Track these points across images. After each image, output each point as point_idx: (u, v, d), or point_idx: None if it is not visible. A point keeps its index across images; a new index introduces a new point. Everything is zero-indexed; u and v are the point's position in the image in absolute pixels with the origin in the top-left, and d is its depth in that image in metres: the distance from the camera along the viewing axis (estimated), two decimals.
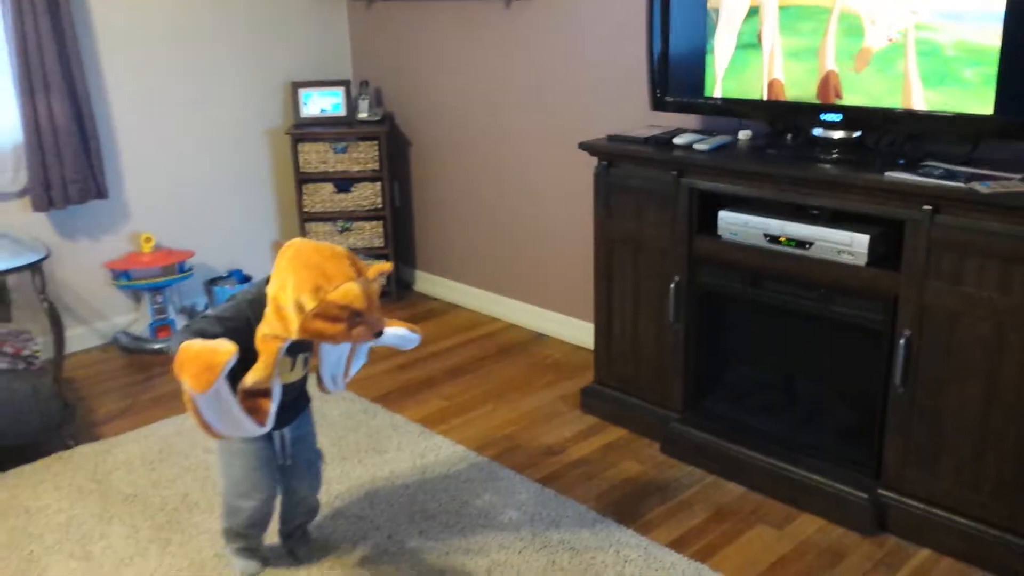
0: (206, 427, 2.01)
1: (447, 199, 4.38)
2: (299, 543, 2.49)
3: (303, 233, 4.26)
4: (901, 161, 2.49)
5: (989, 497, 2.36)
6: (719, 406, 2.98)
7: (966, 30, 2.29)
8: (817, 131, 2.69)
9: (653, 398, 3.09)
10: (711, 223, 2.79)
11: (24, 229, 3.63)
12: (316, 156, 4.28)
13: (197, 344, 1.88)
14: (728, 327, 2.96)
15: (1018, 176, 2.27)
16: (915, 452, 2.48)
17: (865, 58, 2.49)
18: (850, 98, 2.55)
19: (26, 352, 3.15)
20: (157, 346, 3.90)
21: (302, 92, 4.35)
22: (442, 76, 4.21)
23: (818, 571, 2.42)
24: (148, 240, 3.96)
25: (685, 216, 2.84)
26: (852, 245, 2.48)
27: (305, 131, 4.27)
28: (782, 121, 2.82)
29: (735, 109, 2.86)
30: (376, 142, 4.29)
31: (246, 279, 4.26)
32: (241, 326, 2.01)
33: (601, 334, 3.21)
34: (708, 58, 2.83)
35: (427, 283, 4.61)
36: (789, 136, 2.81)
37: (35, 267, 3.11)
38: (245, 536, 2.37)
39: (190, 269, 4.03)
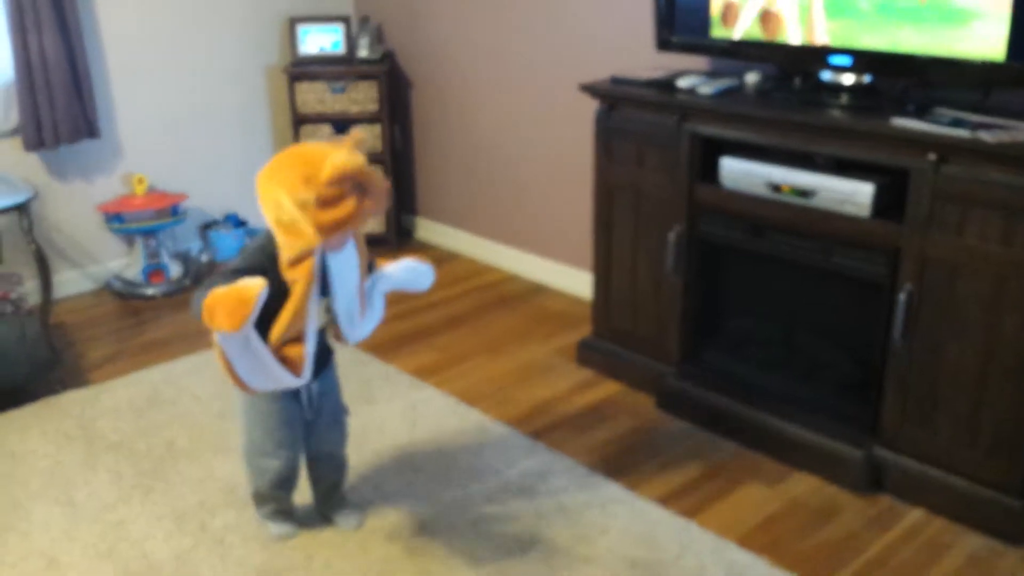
0: (241, 383, 1.95)
1: (449, 144, 4.27)
2: (337, 507, 2.40)
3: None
4: (910, 108, 2.38)
5: (984, 455, 2.30)
6: (717, 360, 2.91)
7: None
8: (826, 75, 2.57)
9: (650, 351, 3.01)
10: (713, 170, 2.69)
11: (15, 169, 3.57)
12: (313, 96, 4.17)
13: (222, 288, 1.80)
14: (729, 278, 2.88)
15: None
16: (913, 409, 2.41)
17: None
18: (862, 40, 2.43)
19: (14, 295, 3.11)
20: (150, 291, 3.85)
21: (300, 28, 4.22)
22: (445, 13, 4.07)
23: (806, 530, 2.36)
24: (141, 182, 3.89)
25: (686, 163, 2.74)
26: (855, 195, 2.37)
27: (302, 70, 4.16)
28: (791, 65, 2.70)
29: (743, 51, 2.73)
30: (376, 82, 4.17)
31: (241, 223, 4.19)
32: (258, 274, 1.88)
33: (600, 285, 3.13)
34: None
35: (428, 230, 4.53)
36: (797, 80, 2.69)
37: (22, 208, 3.05)
38: (275, 498, 2.30)
39: (184, 213, 3.96)
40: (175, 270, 3.96)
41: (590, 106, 2.98)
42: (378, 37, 4.39)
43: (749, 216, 2.65)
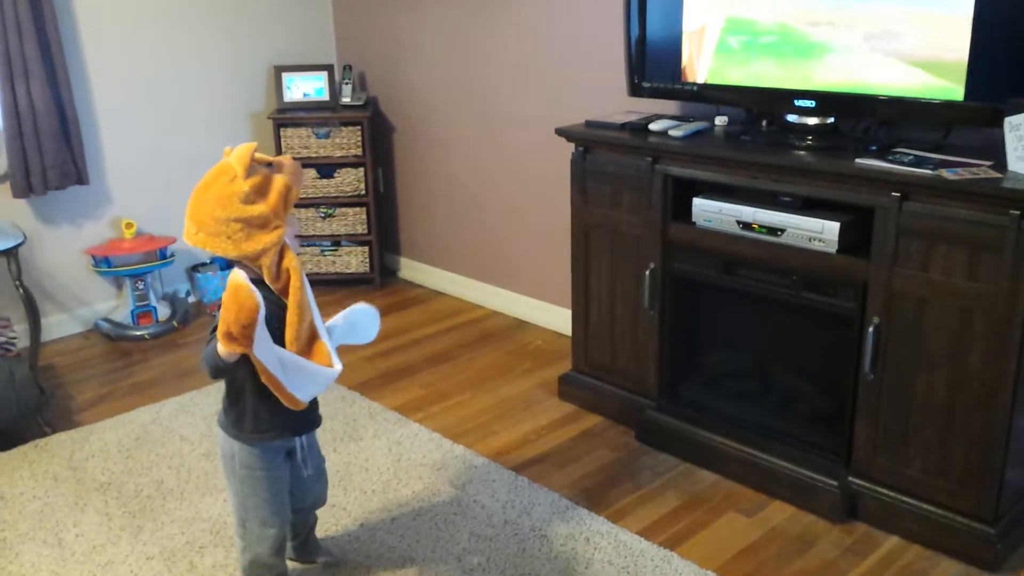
0: (294, 399, 1.97)
1: (431, 185, 4.36)
2: (315, 549, 2.42)
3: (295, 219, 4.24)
4: (873, 147, 2.48)
5: (956, 484, 2.36)
6: (694, 393, 2.98)
7: (935, 21, 2.28)
8: (792, 117, 2.68)
9: (629, 385, 3.08)
10: (686, 210, 2.78)
11: (4, 214, 3.62)
12: (299, 141, 4.27)
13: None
14: (703, 314, 2.95)
15: (987, 163, 2.26)
16: (884, 439, 2.48)
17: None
18: (823, 83, 2.54)
19: (3, 339, 3.15)
20: (138, 333, 3.90)
21: (285, 76, 4.32)
22: (426, 61, 4.18)
23: (786, 558, 2.42)
24: (129, 226, 3.96)
25: (660, 202, 2.83)
26: (823, 232, 2.46)
27: (288, 116, 4.26)
28: (757, 107, 2.81)
29: (710, 95, 2.84)
30: (359, 127, 4.27)
31: (229, 265, 4.23)
32: None
33: (578, 321, 3.21)
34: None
35: (411, 270, 4.60)
36: (764, 123, 2.79)
37: (10, 253, 3.10)
38: (272, 566, 2.20)
39: (172, 255, 4.02)
40: (163, 311, 4.01)
41: (566, 148, 3.08)
42: (361, 84, 4.50)
43: (722, 253, 2.73)
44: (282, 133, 4.25)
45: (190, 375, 3.54)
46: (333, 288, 4.34)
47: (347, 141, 4.28)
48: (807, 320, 2.65)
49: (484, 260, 4.19)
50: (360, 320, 2.24)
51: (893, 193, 2.30)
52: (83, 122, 3.82)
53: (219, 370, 1.93)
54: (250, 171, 1.90)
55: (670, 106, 3.14)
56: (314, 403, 2.17)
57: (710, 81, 2.80)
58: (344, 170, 4.30)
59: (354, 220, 4.36)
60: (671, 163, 2.78)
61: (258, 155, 1.94)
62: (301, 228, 4.34)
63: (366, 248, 4.41)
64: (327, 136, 4.26)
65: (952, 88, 2.30)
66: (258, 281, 1.94)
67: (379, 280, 4.47)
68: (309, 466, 2.22)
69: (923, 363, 2.35)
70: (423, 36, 4.15)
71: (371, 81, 4.50)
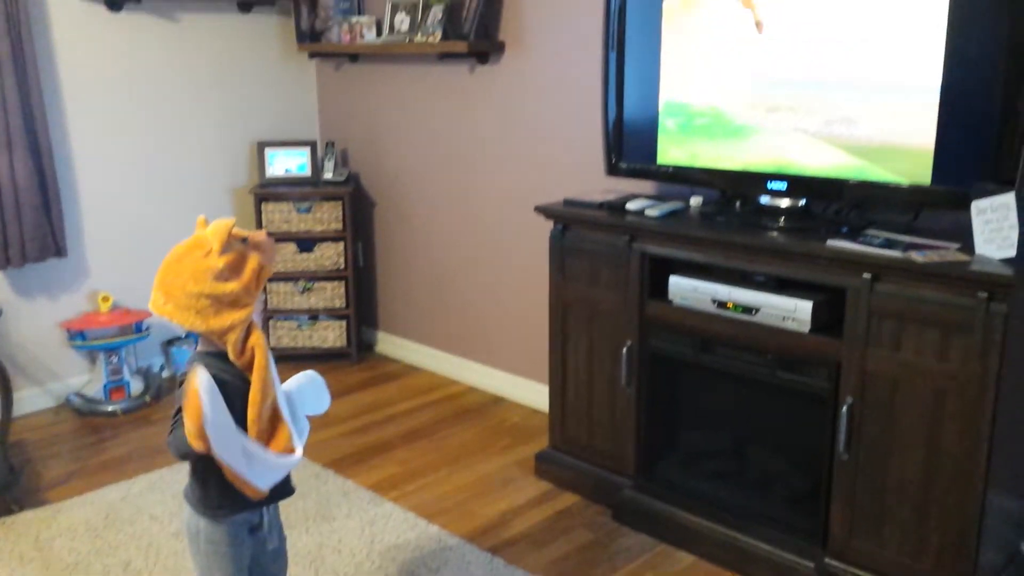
0: (254, 489, 1.95)
1: (410, 260, 4.38)
2: None
3: (264, 294, 4.25)
4: (844, 229, 2.52)
5: (932, 566, 2.34)
6: (671, 472, 2.96)
7: (898, 109, 2.35)
8: (764, 199, 2.73)
9: (606, 463, 3.06)
10: (663, 288, 2.81)
11: None
12: (280, 216, 4.29)
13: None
14: (681, 391, 2.96)
15: (955, 245, 2.31)
16: (860, 520, 2.46)
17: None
18: (794, 167, 2.60)
19: None
20: (110, 408, 3.85)
21: (268, 152, 4.37)
22: (407, 138, 4.25)
23: None
24: (106, 299, 3.94)
25: (637, 280, 2.86)
26: (796, 311, 2.49)
27: (269, 191, 4.29)
28: (731, 189, 2.86)
29: (685, 176, 2.89)
30: (340, 202, 4.30)
31: None
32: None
33: (555, 398, 3.20)
34: (661, 126, 2.87)
35: (389, 344, 4.59)
36: (738, 204, 2.84)
37: None
38: None
39: (147, 329, 3.99)
40: (136, 386, 3.96)
41: (545, 226, 3.11)
42: (342, 160, 4.55)
43: (698, 331, 2.75)
44: (263, 207, 4.27)
45: (161, 452, 3.46)
46: (310, 363, 4.27)
47: (328, 216, 4.30)
48: (783, 399, 2.65)
49: (462, 335, 4.19)
50: (308, 390, 2.17)
51: (864, 274, 2.33)
52: (64, 194, 3.81)
53: (186, 456, 1.93)
54: (226, 247, 1.91)
55: (646, 186, 3.20)
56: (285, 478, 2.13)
57: (685, 164, 2.85)
58: (324, 244, 4.32)
59: (332, 294, 4.37)
60: (648, 242, 2.81)
61: (235, 231, 1.95)
62: (280, 302, 4.34)
63: (344, 322, 4.41)
64: (308, 211, 4.28)
65: (920, 172, 2.36)
66: (222, 356, 1.93)
67: (356, 355, 4.44)
68: (275, 537, 2.18)
69: (897, 443, 2.36)
70: (404, 115, 4.22)
71: (353, 157, 4.55)
